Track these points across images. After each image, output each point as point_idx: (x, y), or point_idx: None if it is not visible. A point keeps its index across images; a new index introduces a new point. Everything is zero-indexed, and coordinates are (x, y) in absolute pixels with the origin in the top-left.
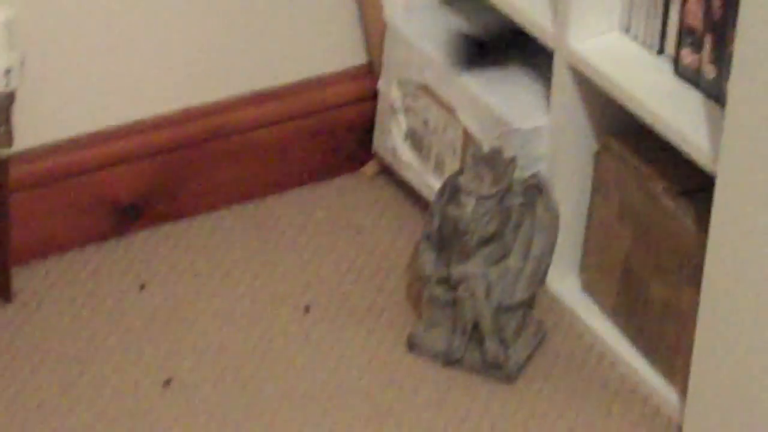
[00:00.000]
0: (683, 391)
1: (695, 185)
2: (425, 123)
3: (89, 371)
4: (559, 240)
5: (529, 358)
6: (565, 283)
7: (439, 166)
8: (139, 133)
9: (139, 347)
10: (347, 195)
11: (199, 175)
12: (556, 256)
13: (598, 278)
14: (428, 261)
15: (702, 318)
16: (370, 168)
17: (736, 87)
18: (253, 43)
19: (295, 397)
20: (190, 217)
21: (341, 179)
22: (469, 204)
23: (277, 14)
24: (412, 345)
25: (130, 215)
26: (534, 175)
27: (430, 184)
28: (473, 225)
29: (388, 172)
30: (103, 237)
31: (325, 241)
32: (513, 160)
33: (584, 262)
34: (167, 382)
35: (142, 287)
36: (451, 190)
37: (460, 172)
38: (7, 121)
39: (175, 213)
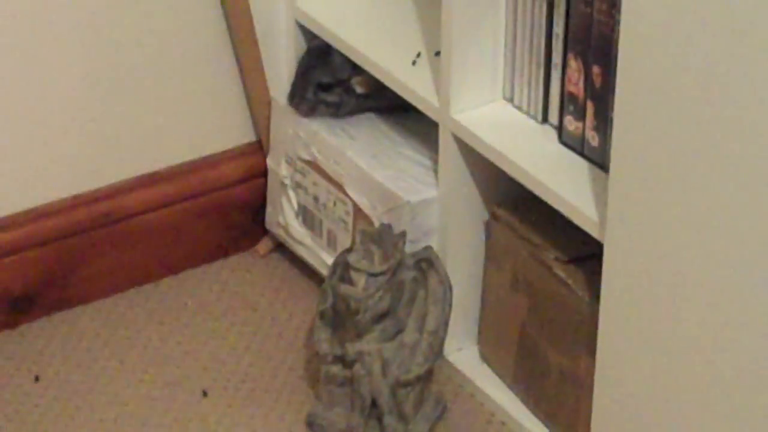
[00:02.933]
0: None
1: (586, 252)
2: (315, 199)
3: None
4: (456, 311)
5: (430, 431)
6: (463, 354)
7: (331, 242)
8: (28, 223)
9: None
10: (242, 274)
11: (91, 261)
12: (453, 328)
13: (496, 348)
14: (323, 339)
15: (599, 384)
16: (263, 246)
17: (617, 153)
18: (139, 125)
19: None
20: (84, 305)
21: (235, 258)
22: (359, 282)
23: (162, 95)
24: (311, 424)
25: (22, 306)
26: (425, 249)
27: (324, 259)
28: (365, 302)
29: (281, 249)
30: None
31: (221, 322)
32: (403, 234)
33: (481, 332)
34: None
35: (36, 378)
36: (342, 268)
37: (350, 249)
38: None
39: (68, 301)
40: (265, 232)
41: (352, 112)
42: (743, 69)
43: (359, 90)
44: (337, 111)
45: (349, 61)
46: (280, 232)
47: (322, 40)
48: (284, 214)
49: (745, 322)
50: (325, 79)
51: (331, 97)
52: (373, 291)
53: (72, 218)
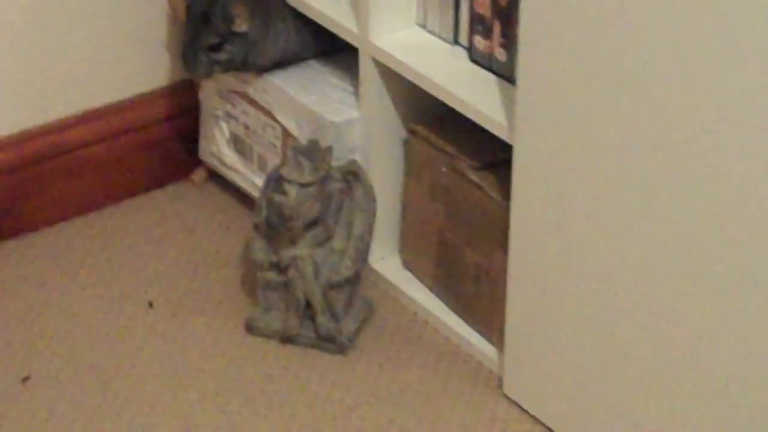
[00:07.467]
0: (501, 347)
1: (497, 159)
2: (246, 127)
3: None
4: (378, 223)
5: (359, 330)
6: (386, 262)
7: (262, 166)
8: None
9: None
10: (179, 202)
11: (39, 192)
12: (376, 238)
13: (417, 254)
14: (259, 249)
15: (511, 278)
16: (197, 175)
17: (523, 64)
18: (82, 65)
19: (145, 384)
20: (34, 232)
21: (172, 188)
22: (292, 191)
23: (103, 37)
24: (250, 327)
25: None
26: (351, 162)
27: (256, 183)
28: (297, 210)
29: (215, 179)
30: None
31: (161, 244)
32: (329, 148)
33: (403, 241)
34: (26, 379)
35: None
36: (275, 181)
37: (282, 164)
38: None
39: (19, 229)
40: (199, 162)
41: (261, 67)
42: None
43: (242, 28)
44: (229, 66)
45: (225, 16)
46: (213, 161)
47: (200, 4)
48: (217, 144)
49: (643, 210)
50: (213, 40)
51: (221, 56)
52: (304, 199)
53: (19, 152)
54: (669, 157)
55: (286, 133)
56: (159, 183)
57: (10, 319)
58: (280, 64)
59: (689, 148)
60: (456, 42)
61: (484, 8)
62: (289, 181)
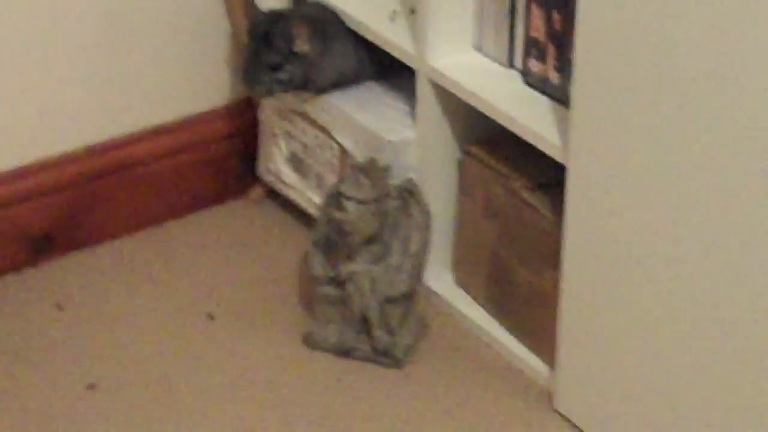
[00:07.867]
0: (551, 363)
1: (550, 180)
2: (304, 145)
3: (21, 376)
4: (432, 241)
5: (414, 345)
6: (440, 280)
7: (319, 184)
8: (48, 170)
9: (63, 356)
10: (237, 217)
11: (104, 205)
12: (430, 257)
13: (470, 272)
14: (318, 263)
15: (564, 295)
16: (255, 192)
17: (578, 89)
18: (146, 83)
19: (206, 393)
20: (98, 245)
21: (231, 203)
22: (351, 208)
23: (167, 57)
24: (307, 341)
25: (41, 246)
26: (408, 181)
27: (313, 200)
28: (356, 226)
29: (272, 194)
30: (18, 266)
31: (221, 259)
32: (388, 167)
33: (456, 259)
34: (91, 386)
35: (60, 307)
36: (335, 198)
37: (342, 181)
38: None
39: (84, 241)
40: (257, 180)
41: (320, 87)
42: (690, 12)
43: (302, 49)
44: (289, 85)
45: (286, 37)
46: (271, 179)
47: (262, 25)
48: (275, 162)
49: (700, 231)
50: (274, 60)
51: (282, 75)
52: (362, 215)
53: (86, 166)
54: (725, 178)
55: (343, 152)
56: (218, 199)
57: (75, 328)
58: (339, 84)
59: (747, 170)
60: (511, 65)
61: (539, 32)
62: (349, 198)
